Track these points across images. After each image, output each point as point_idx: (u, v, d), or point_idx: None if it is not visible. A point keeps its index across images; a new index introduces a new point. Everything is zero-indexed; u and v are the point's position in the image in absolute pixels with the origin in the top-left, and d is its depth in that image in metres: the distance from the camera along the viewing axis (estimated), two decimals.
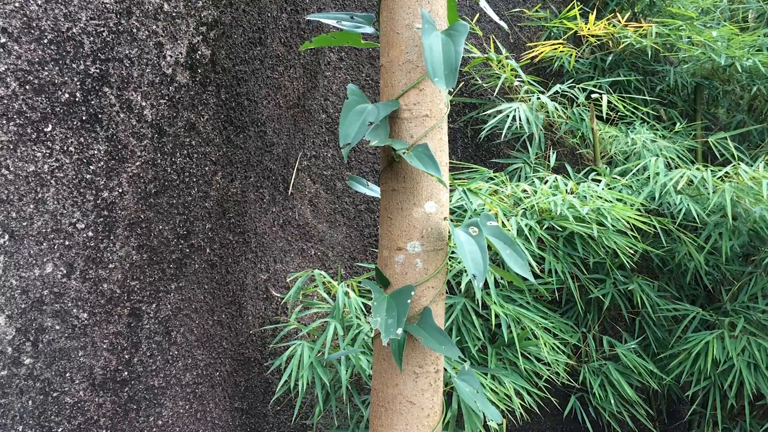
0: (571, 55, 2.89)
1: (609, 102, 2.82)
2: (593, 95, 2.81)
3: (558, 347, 2.28)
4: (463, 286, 2.15)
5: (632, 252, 2.40)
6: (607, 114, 2.97)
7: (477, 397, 1.65)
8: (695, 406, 2.72)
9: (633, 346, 2.56)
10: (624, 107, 2.81)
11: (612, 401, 2.47)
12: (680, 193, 2.44)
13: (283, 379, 1.92)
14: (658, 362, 2.65)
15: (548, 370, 2.24)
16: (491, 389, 2.04)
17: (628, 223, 2.29)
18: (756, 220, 2.43)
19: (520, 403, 2.12)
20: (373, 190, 1.76)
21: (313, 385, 2.12)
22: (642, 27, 2.86)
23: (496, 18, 1.90)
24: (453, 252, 2.03)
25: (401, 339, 1.51)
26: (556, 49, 2.84)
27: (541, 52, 2.85)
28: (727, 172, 2.45)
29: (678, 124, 2.89)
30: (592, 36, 2.89)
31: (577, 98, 2.70)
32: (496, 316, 2.13)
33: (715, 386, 2.54)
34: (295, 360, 1.91)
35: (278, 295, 2.17)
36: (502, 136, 2.62)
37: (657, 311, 2.63)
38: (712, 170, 2.45)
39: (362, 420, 2.04)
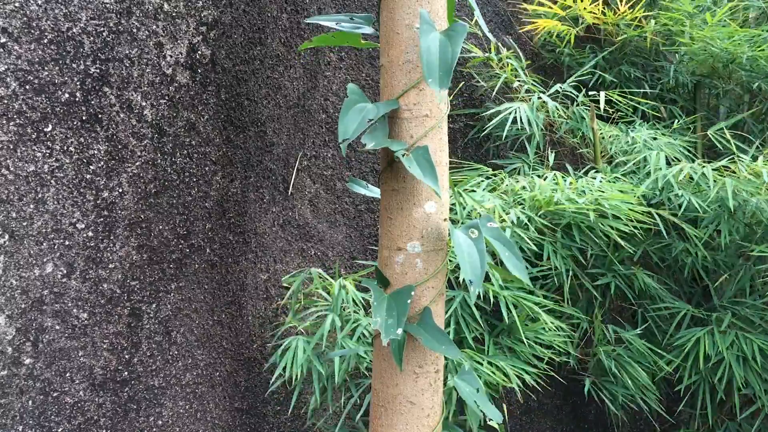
0: (569, 33, 2.87)
1: (609, 100, 2.81)
2: (593, 94, 2.80)
3: (561, 328, 2.27)
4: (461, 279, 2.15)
5: (630, 237, 2.39)
6: (606, 111, 2.96)
7: (477, 397, 1.66)
8: (687, 404, 2.72)
9: (638, 332, 2.57)
10: (625, 105, 2.80)
11: (630, 384, 2.45)
12: (681, 188, 2.45)
13: (278, 372, 1.91)
14: (657, 354, 2.65)
15: (551, 352, 2.23)
16: (489, 372, 2.04)
17: (628, 216, 2.29)
18: (754, 212, 2.44)
19: (518, 385, 2.11)
20: (372, 192, 1.76)
21: (310, 378, 2.12)
22: (638, 14, 2.84)
23: (487, 32, 1.89)
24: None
25: (401, 339, 1.51)
26: (556, 25, 2.82)
27: (540, 26, 2.83)
28: (726, 166, 2.46)
29: (677, 120, 2.89)
30: (589, 13, 2.85)
31: (577, 97, 2.69)
32: (495, 298, 2.12)
33: (706, 382, 2.55)
34: (290, 353, 1.91)
35: (278, 295, 2.17)
36: (503, 137, 2.61)
37: (658, 302, 2.63)
38: (712, 166, 2.46)
39: (359, 412, 2.03)
